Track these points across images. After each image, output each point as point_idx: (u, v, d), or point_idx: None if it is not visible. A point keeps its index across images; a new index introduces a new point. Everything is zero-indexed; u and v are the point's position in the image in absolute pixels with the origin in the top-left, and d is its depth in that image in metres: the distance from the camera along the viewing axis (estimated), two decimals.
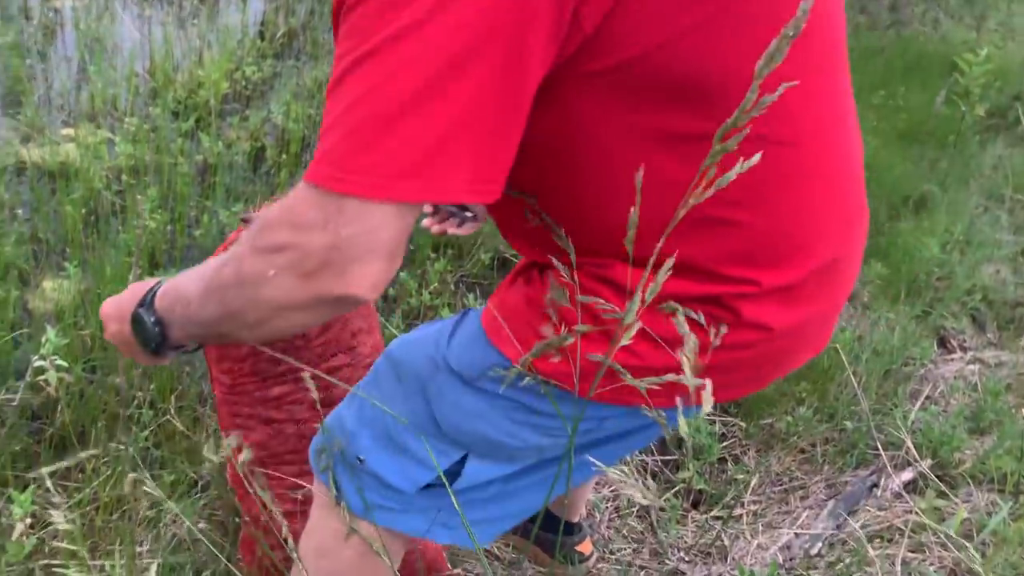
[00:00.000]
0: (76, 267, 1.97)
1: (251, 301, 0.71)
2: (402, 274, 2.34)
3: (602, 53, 0.68)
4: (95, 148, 2.45)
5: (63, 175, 2.39)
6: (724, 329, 0.74)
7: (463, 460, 0.93)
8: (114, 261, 2.05)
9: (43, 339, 1.63)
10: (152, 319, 0.82)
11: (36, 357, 1.65)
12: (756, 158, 0.63)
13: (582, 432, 0.87)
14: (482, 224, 1.36)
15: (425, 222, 1.35)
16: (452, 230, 1.33)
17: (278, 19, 3.55)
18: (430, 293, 2.29)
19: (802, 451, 1.97)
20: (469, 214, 1.32)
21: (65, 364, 1.64)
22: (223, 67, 3.03)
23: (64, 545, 1.05)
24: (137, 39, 3.27)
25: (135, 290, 0.87)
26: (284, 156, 2.72)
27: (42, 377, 1.64)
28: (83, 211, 2.23)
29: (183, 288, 0.80)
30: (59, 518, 0.90)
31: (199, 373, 1.84)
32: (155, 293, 0.83)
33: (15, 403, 1.64)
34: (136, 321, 0.84)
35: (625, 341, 0.68)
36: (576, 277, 0.79)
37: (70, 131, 2.62)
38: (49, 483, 1.25)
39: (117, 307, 0.89)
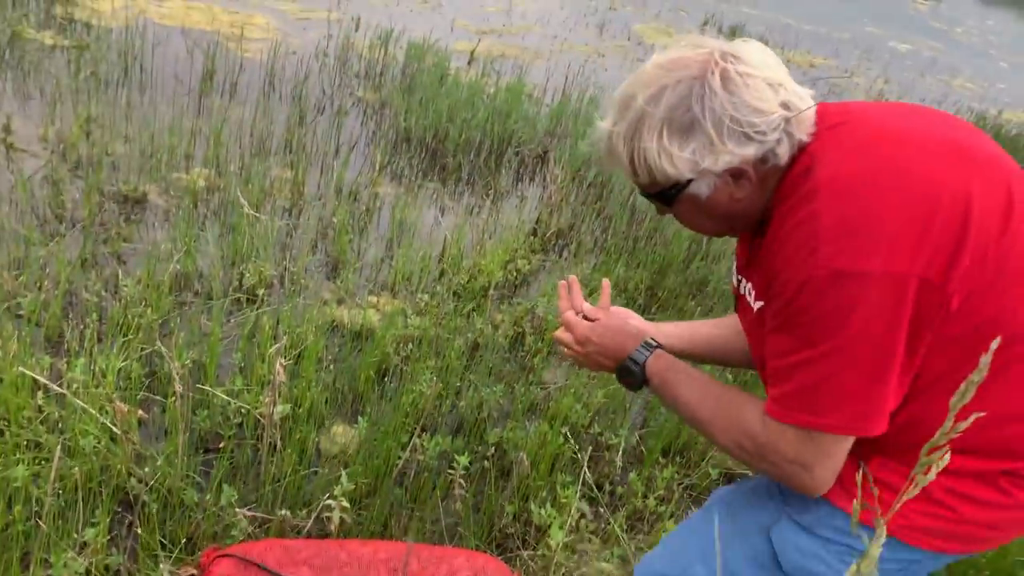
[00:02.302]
0: (367, 420, 2.34)
1: (732, 452, 1.15)
2: (632, 475, 2.48)
3: (955, 321, 0.99)
4: (391, 317, 2.92)
5: (364, 336, 2.86)
6: None
7: None
8: (391, 419, 2.40)
9: (338, 481, 1.96)
10: (640, 374, 1.26)
11: (327, 496, 1.99)
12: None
13: (897, 571, 1.14)
14: None
15: None
16: None
17: (550, 219, 4.03)
18: (656, 499, 2.40)
19: None
20: None
21: (348, 506, 1.95)
22: (500, 258, 3.49)
23: None
24: (433, 226, 3.87)
25: (621, 333, 1.32)
26: (540, 344, 3.04)
27: (328, 514, 1.96)
28: (374, 371, 2.65)
29: (679, 387, 1.21)
30: None
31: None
32: (647, 358, 1.26)
33: (304, 531, 1.96)
34: (625, 368, 1.28)
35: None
36: (892, 464, 1.10)
37: (374, 299, 3.14)
38: None
39: (605, 342, 1.32)
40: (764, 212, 1.10)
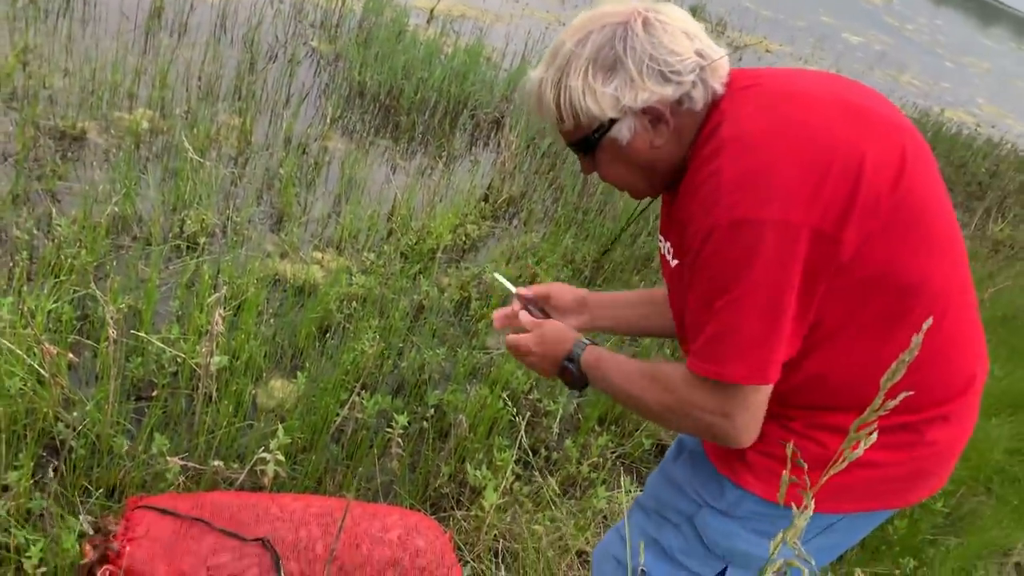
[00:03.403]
0: (306, 375, 2.32)
1: (663, 417, 1.20)
2: (567, 442, 2.52)
3: (847, 272, 1.05)
4: (336, 274, 2.88)
5: (307, 292, 2.82)
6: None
7: (724, 571, 1.28)
8: (331, 375, 2.39)
9: (274, 434, 1.95)
10: (577, 372, 1.30)
11: (261, 449, 1.97)
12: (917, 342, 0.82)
13: (815, 536, 1.21)
14: None
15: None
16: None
17: (502, 186, 4.01)
18: (589, 465, 2.45)
19: None
20: None
21: (283, 460, 1.94)
22: (450, 221, 3.47)
23: None
24: (383, 184, 3.82)
25: (557, 340, 1.34)
26: (485, 309, 3.04)
27: (262, 467, 1.95)
28: (316, 327, 2.62)
29: (609, 372, 1.26)
30: None
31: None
32: (579, 356, 1.30)
33: (237, 484, 1.94)
34: (565, 369, 1.32)
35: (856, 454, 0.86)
36: (796, 427, 1.15)
37: (319, 255, 3.09)
38: None
39: (545, 350, 1.36)
40: (680, 170, 1.16)
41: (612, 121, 1.13)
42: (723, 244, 1.04)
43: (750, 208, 1.02)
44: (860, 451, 0.80)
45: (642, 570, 1.31)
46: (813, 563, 0.87)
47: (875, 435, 0.83)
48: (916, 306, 1.08)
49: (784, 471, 1.11)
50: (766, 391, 1.09)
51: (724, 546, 1.26)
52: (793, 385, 1.13)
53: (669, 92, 1.10)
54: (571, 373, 1.32)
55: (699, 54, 1.11)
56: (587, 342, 1.33)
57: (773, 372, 1.07)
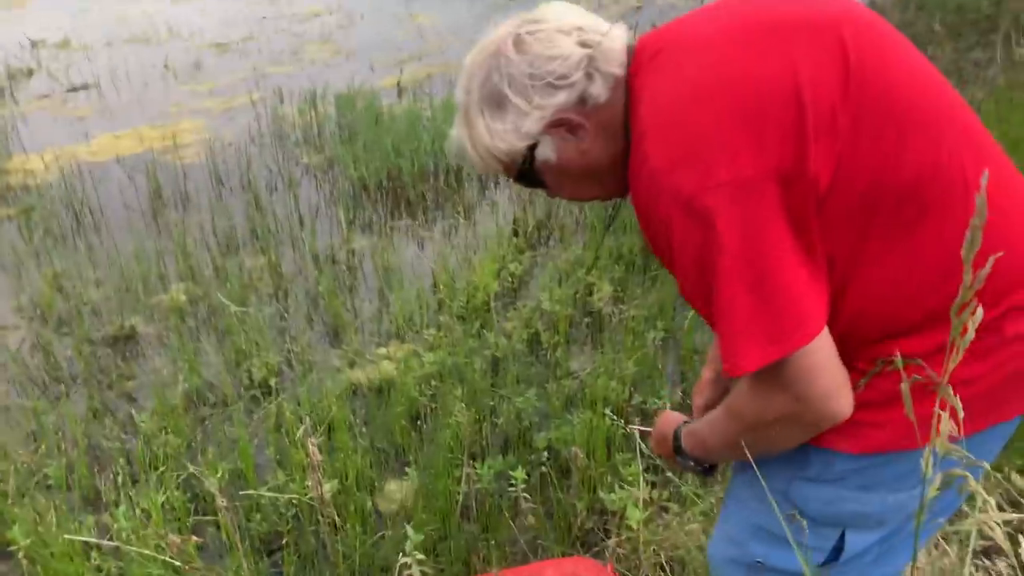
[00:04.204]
0: (414, 468, 2.31)
1: (759, 449, 1.07)
2: None
3: (834, 198, 0.96)
4: (406, 361, 2.89)
5: (385, 389, 2.84)
6: None
7: (842, 537, 1.14)
8: (436, 457, 2.37)
9: (406, 537, 1.93)
10: (685, 460, 1.23)
11: (401, 555, 1.95)
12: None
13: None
14: None
15: None
16: None
17: (525, 216, 4.00)
18: None
19: None
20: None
21: (424, 558, 1.91)
22: (491, 269, 3.46)
23: None
24: (416, 261, 3.85)
25: (662, 436, 1.28)
26: (556, 337, 3.01)
27: (408, 572, 1.93)
28: (407, 418, 2.62)
29: (708, 440, 1.17)
30: None
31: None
32: (682, 444, 1.22)
33: None
34: (681, 464, 1.26)
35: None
36: (860, 366, 1.03)
37: (383, 350, 3.11)
38: None
39: (661, 450, 1.30)
40: (626, 163, 1.08)
41: (531, 148, 1.09)
42: (685, 231, 0.95)
43: (695, 184, 0.93)
44: (971, 334, 0.73)
45: (758, 562, 1.19)
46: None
47: (979, 312, 0.74)
48: (931, 201, 0.97)
49: (861, 416, 1.01)
50: (822, 349, 0.96)
51: (830, 513, 1.14)
52: (840, 329, 1.00)
53: (563, 99, 1.05)
54: (686, 465, 1.24)
55: (583, 44, 1.05)
56: (682, 429, 1.23)
57: (808, 327, 0.95)
